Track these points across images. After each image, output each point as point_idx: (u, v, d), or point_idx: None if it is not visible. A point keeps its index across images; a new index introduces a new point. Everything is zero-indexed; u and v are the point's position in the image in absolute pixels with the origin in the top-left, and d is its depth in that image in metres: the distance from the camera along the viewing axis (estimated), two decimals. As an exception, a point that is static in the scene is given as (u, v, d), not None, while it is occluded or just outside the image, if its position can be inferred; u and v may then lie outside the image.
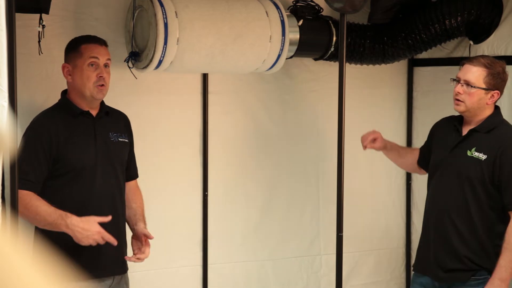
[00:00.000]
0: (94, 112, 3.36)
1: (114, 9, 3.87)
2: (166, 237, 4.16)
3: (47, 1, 3.46)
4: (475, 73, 3.36)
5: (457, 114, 3.58)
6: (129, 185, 3.50)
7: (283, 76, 4.39)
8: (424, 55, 4.54)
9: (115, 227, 3.32)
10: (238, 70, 3.97)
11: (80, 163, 3.25)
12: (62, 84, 3.51)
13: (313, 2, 4.16)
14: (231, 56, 3.77)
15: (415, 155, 3.83)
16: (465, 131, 3.45)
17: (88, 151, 3.28)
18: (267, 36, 3.83)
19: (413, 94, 4.78)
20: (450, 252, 3.42)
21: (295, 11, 4.10)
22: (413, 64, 4.76)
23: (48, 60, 3.68)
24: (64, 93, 3.39)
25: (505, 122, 3.47)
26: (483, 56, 3.51)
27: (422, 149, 3.82)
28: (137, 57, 3.69)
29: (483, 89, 3.35)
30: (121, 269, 3.43)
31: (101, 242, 3.11)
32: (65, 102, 3.34)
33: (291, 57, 4.11)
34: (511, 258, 3.26)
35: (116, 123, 3.45)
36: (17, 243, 1.03)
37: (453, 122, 3.53)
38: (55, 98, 3.48)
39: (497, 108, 3.46)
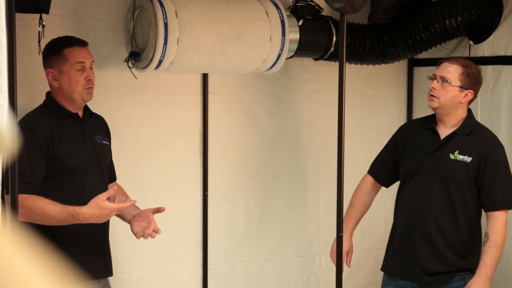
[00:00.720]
0: (80, 114, 3.35)
1: (114, 9, 3.86)
2: (166, 237, 4.15)
3: (47, 1, 3.46)
4: (451, 70, 3.42)
5: (420, 117, 3.62)
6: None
7: (283, 76, 4.39)
8: (424, 55, 4.54)
9: (103, 229, 3.35)
10: (238, 70, 3.97)
11: (74, 164, 3.24)
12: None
13: (313, 2, 4.15)
14: (231, 56, 3.76)
15: (371, 184, 3.73)
16: (442, 134, 3.47)
17: (80, 153, 3.27)
18: (267, 36, 3.83)
19: (413, 94, 4.78)
20: (435, 255, 3.44)
21: (295, 11, 4.10)
22: (413, 64, 4.76)
23: (48, 60, 3.68)
24: (49, 93, 3.36)
25: (480, 125, 3.56)
26: (461, 57, 3.58)
27: (378, 163, 3.74)
28: (137, 57, 3.69)
29: (458, 86, 3.40)
30: (109, 272, 3.42)
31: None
32: (53, 103, 3.30)
33: (291, 57, 4.11)
34: (496, 257, 3.34)
35: (98, 126, 3.44)
36: (17, 243, 1.02)
37: (426, 125, 3.53)
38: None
39: (470, 111, 3.51)
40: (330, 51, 4.18)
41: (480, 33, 4.29)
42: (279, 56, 3.91)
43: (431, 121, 3.53)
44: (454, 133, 3.44)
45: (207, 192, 4.24)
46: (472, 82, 3.42)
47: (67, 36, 3.36)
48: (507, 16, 4.22)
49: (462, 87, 3.40)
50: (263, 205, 4.44)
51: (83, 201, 3.17)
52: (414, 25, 4.22)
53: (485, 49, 4.32)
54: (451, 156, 3.41)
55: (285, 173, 4.49)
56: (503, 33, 4.23)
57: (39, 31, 3.49)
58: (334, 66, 4.19)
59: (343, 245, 3.47)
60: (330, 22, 4.18)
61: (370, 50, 4.27)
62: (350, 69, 4.28)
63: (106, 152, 3.43)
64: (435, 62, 4.60)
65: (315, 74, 4.51)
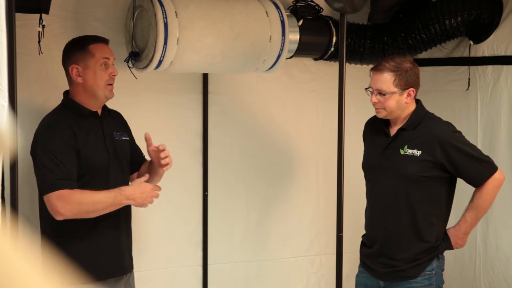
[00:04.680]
0: (99, 112, 3.37)
1: (114, 9, 3.87)
2: (166, 237, 4.16)
3: (47, 1, 3.46)
4: (384, 81, 3.37)
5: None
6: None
7: (283, 76, 4.39)
8: (424, 55, 4.54)
9: (125, 223, 3.41)
10: (238, 70, 3.97)
11: (96, 164, 3.27)
12: (62, 84, 3.51)
13: (313, 2, 4.16)
14: (231, 56, 3.77)
15: None
16: (392, 131, 3.50)
17: (101, 151, 3.30)
18: (267, 36, 3.83)
19: (413, 94, 4.77)
20: (398, 253, 3.48)
21: (295, 11, 4.11)
22: (413, 64, 4.75)
23: (48, 60, 3.68)
24: (66, 93, 3.37)
25: (429, 114, 3.51)
26: (386, 60, 3.46)
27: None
28: (137, 57, 3.69)
29: (397, 92, 3.38)
30: (131, 266, 3.50)
31: (155, 197, 3.30)
32: (71, 102, 3.31)
33: (291, 57, 4.11)
34: (477, 216, 3.49)
35: (116, 122, 3.47)
36: (17, 243, 1.03)
37: (381, 125, 3.54)
38: (55, 98, 3.47)
39: (418, 102, 3.50)
40: (330, 51, 4.19)
41: (480, 33, 4.29)
42: (279, 56, 3.91)
43: (382, 121, 3.53)
44: (401, 129, 3.45)
45: (207, 192, 4.24)
46: (409, 80, 3.39)
47: (91, 35, 3.39)
48: (507, 16, 4.22)
49: (401, 90, 3.39)
50: (263, 205, 4.44)
51: None
52: (414, 25, 4.22)
53: (485, 49, 4.32)
54: (401, 152, 3.43)
55: (285, 173, 4.49)
56: (503, 33, 4.23)
57: (39, 31, 3.49)
58: (334, 66, 4.19)
59: None
60: (330, 22, 4.18)
61: (370, 50, 4.27)
62: (350, 69, 4.28)
63: (126, 148, 3.47)
64: (435, 62, 4.63)
65: (315, 74, 4.51)
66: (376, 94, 3.39)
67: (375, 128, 3.58)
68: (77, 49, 3.31)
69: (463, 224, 3.49)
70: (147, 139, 3.40)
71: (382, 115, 3.44)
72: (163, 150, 3.39)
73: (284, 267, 4.52)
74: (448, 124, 3.48)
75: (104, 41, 3.36)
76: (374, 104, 3.42)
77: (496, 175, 3.41)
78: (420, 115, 3.47)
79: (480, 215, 3.50)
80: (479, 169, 3.41)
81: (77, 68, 3.28)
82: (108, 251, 3.33)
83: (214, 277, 4.31)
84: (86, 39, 3.35)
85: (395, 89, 3.37)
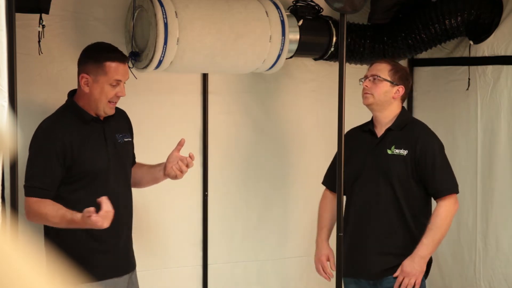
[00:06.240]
0: (101, 116, 3.36)
1: (114, 9, 3.87)
2: (166, 237, 4.16)
3: (47, 1, 3.46)
4: (381, 68, 3.61)
5: (360, 124, 3.74)
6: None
7: (283, 76, 4.39)
8: (424, 55, 4.54)
9: (127, 226, 3.42)
10: (238, 70, 3.97)
11: (94, 168, 3.27)
12: (62, 84, 3.51)
13: (313, 2, 4.16)
14: (231, 56, 3.77)
15: (330, 198, 3.81)
16: (379, 132, 3.63)
17: (101, 156, 3.30)
18: (267, 36, 3.83)
19: (413, 94, 4.78)
20: (385, 250, 3.55)
21: (295, 11, 4.11)
22: (413, 64, 4.76)
23: (48, 60, 3.68)
24: (71, 94, 3.36)
25: (414, 119, 3.79)
26: (389, 58, 3.84)
27: (331, 175, 3.76)
28: (137, 57, 3.69)
29: (389, 81, 3.56)
30: (133, 264, 3.53)
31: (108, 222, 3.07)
32: (74, 107, 3.31)
33: (291, 57, 4.11)
34: (434, 238, 3.49)
35: (119, 123, 3.46)
36: (17, 243, 1.03)
37: (364, 128, 3.69)
38: (55, 98, 3.47)
39: (403, 108, 3.70)
40: (330, 51, 4.19)
41: (480, 33, 4.29)
42: (279, 56, 3.91)
43: (368, 124, 3.69)
44: (388, 129, 3.60)
45: (207, 192, 4.24)
46: (402, 78, 3.60)
47: (110, 46, 3.34)
48: (507, 16, 4.22)
49: (393, 83, 3.56)
50: (263, 204, 4.44)
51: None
52: (414, 25, 4.22)
53: (485, 49, 4.32)
54: (389, 151, 3.56)
55: (285, 173, 4.49)
56: (503, 33, 4.23)
57: (39, 31, 3.49)
58: (334, 66, 4.19)
59: (322, 251, 3.72)
60: (330, 22, 4.18)
61: (370, 50, 4.27)
62: (350, 69, 4.27)
63: (129, 149, 3.48)
64: (435, 62, 4.63)
65: (315, 74, 4.51)
66: (370, 79, 3.58)
67: (358, 136, 3.68)
68: (92, 60, 3.26)
69: (419, 247, 3.49)
70: (180, 145, 3.41)
71: (368, 101, 3.59)
72: (192, 159, 3.41)
73: (284, 267, 4.52)
74: (429, 129, 3.65)
75: (122, 60, 3.29)
76: (364, 88, 3.59)
77: (454, 198, 3.53)
78: (406, 117, 3.68)
79: (438, 236, 3.49)
80: (444, 178, 3.53)
81: (86, 79, 3.25)
82: (109, 250, 3.33)
83: (214, 277, 4.31)
84: (105, 52, 3.28)
85: (389, 78, 3.57)
